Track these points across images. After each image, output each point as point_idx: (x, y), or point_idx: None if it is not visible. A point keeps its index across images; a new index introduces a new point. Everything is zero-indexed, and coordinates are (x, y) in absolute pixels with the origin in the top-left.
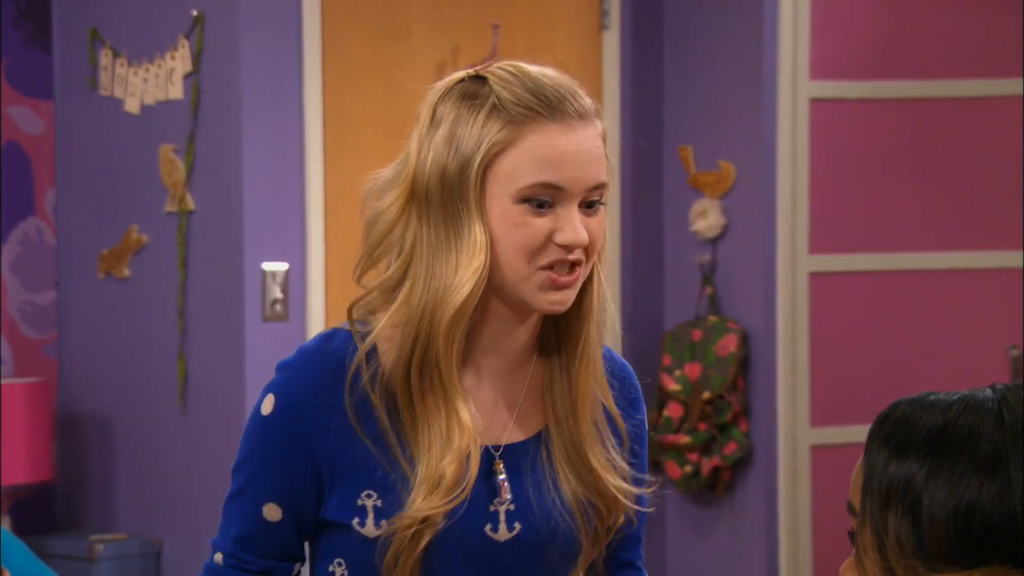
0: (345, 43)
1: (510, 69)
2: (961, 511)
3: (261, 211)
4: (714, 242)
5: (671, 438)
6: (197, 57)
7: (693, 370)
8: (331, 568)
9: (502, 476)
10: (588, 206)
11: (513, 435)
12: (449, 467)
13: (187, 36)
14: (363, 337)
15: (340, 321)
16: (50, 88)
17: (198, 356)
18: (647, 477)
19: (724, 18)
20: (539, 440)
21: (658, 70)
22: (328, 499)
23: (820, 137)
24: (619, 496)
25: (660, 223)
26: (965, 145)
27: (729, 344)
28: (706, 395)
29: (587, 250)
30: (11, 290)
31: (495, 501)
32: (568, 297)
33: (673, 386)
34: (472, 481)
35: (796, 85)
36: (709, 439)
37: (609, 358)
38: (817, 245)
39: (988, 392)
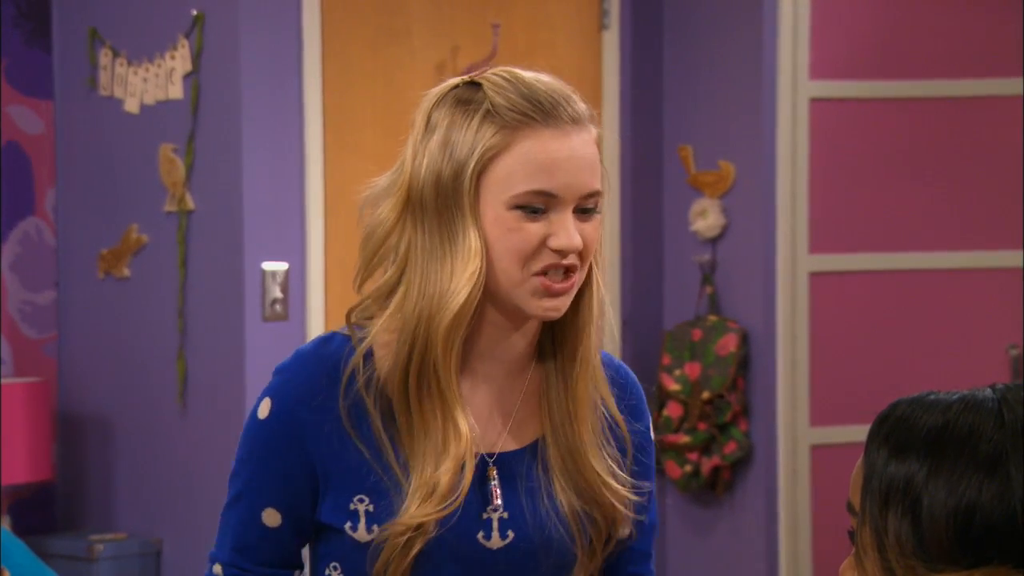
0: (345, 43)
1: (504, 75)
2: (961, 511)
3: (261, 211)
4: (714, 242)
5: (671, 438)
6: (197, 57)
7: (693, 370)
8: (327, 572)
9: (494, 482)
10: (583, 211)
11: (508, 443)
12: (444, 475)
13: (187, 36)
14: (359, 341)
15: (340, 321)
16: (50, 88)
17: (198, 356)
18: (646, 485)
19: (724, 18)
20: (535, 448)
21: (658, 70)
22: (322, 502)
23: (820, 137)
24: (616, 505)
25: (660, 223)
26: (965, 145)
27: (729, 344)
28: (706, 395)
29: (582, 255)
30: (11, 290)
31: (488, 509)
32: (563, 304)
33: (673, 386)
34: (467, 488)
35: (796, 85)
36: (709, 439)
37: (610, 364)
38: (817, 245)
39: (988, 392)
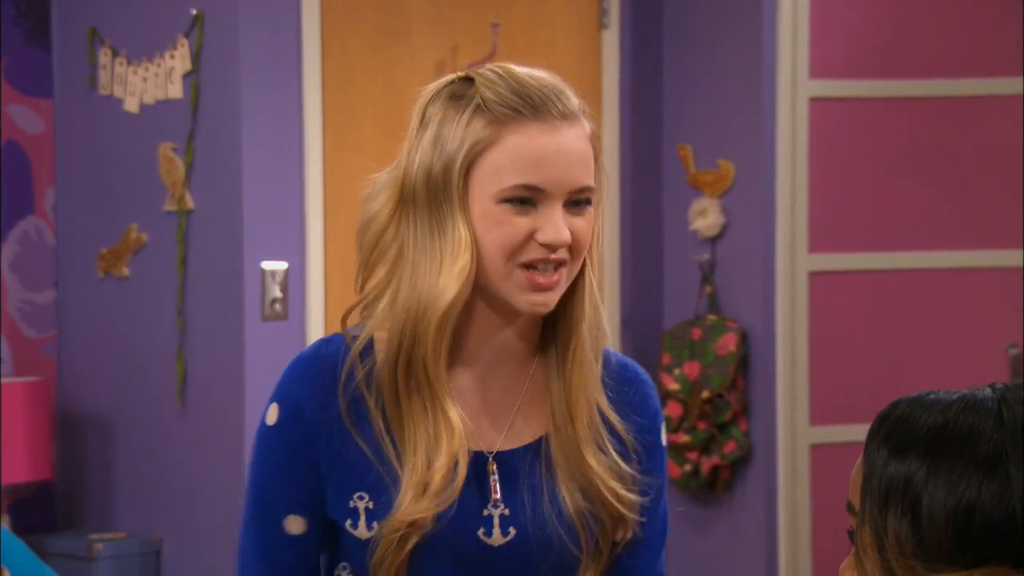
0: (344, 42)
1: (497, 70)
2: (960, 511)
3: (260, 210)
4: (713, 241)
5: (670, 437)
6: (196, 56)
7: (692, 369)
8: (337, 572)
9: (494, 477)
10: (574, 205)
11: (509, 440)
12: (438, 471)
13: (186, 35)
14: (355, 338)
15: (339, 321)
16: (49, 87)
17: (197, 355)
18: (647, 479)
19: (724, 17)
20: (538, 447)
21: (657, 69)
22: (325, 499)
23: (820, 136)
24: (618, 506)
25: (659, 222)
26: (965, 144)
27: (728, 343)
28: (705, 394)
29: (573, 250)
30: (10, 289)
31: (488, 505)
32: (550, 299)
33: (672, 385)
34: (460, 485)
35: (795, 84)
36: (708, 438)
37: (617, 361)
38: (816, 244)
39: (988, 391)
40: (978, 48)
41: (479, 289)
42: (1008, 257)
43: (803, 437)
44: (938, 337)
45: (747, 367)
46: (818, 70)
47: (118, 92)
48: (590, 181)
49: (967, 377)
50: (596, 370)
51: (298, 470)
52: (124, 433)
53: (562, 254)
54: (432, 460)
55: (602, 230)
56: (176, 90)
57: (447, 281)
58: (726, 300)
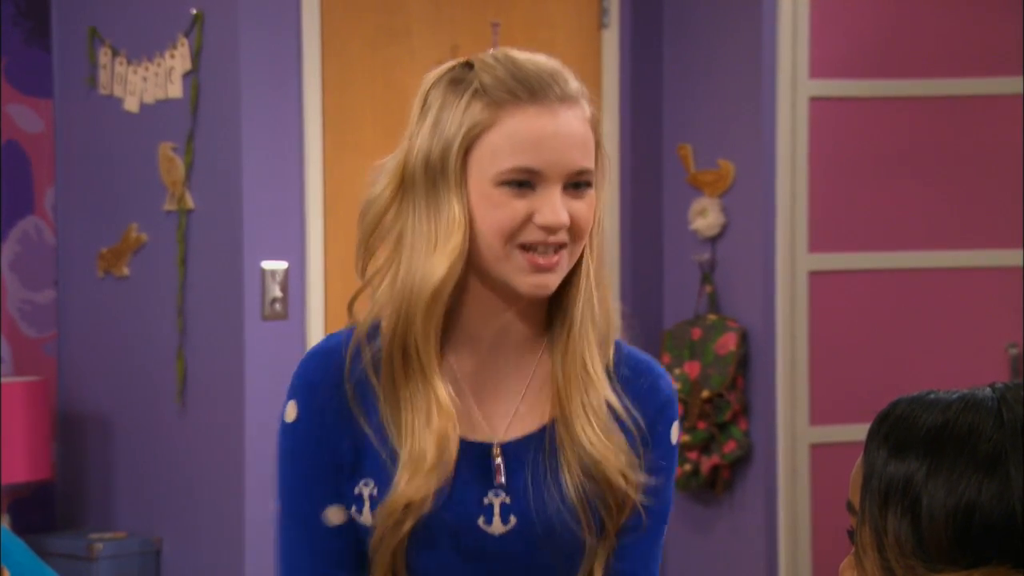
0: (344, 42)
1: (497, 55)
2: (960, 510)
3: (260, 210)
4: (713, 241)
5: None
6: (196, 56)
7: (692, 369)
8: None
9: (498, 461)
10: (574, 187)
11: (515, 428)
12: (429, 449)
13: (186, 35)
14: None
15: (339, 320)
16: (49, 87)
17: (197, 355)
18: (652, 462)
19: (724, 17)
20: (543, 434)
21: (657, 69)
22: None
23: (820, 136)
24: (624, 486)
25: (659, 222)
26: (965, 144)
27: (728, 343)
28: (705, 394)
29: (573, 233)
30: (10, 289)
31: (490, 493)
32: (550, 280)
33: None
34: (452, 462)
35: (796, 84)
36: (708, 438)
37: (628, 353)
38: (816, 244)
39: (988, 391)
40: (978, 48)
41: (478, 271)
42: (1008, 257)
43: (803, 437)
44: (938, 337)
45: (747, 367)
46: (818, 70)
47: (118, 92)
48: (589, 164)
49: (967, 377)
50: (594, 353)
51: (328, 459)
52: (124, 433)
53: (562, 236)
54: (425, 438)
55: (604, 214)
56: (176, 90)
57: (438, 260)
58: (726, 300)
